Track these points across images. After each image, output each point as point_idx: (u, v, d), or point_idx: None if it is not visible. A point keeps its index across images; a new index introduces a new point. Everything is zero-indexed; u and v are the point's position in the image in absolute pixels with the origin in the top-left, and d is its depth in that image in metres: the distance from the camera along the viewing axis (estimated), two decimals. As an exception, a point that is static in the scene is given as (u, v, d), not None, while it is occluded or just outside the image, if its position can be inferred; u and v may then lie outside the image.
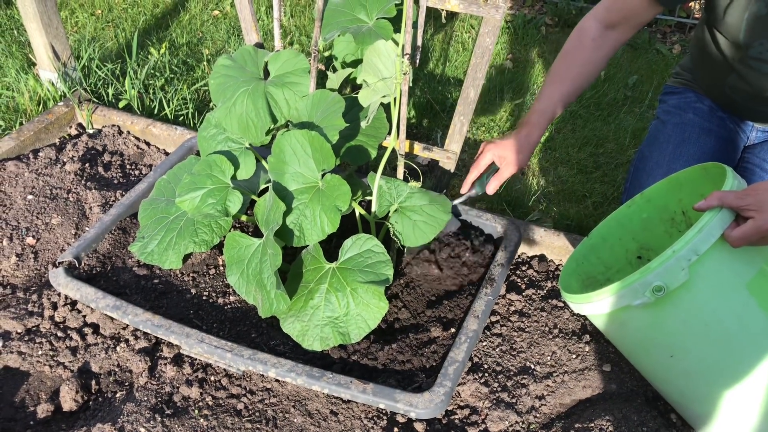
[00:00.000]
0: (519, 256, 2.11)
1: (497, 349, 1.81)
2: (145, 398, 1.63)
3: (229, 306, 1.81)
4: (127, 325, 1.80)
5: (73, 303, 1.86)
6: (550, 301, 1.94)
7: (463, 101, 1.91)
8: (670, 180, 1.61)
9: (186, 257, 1.87)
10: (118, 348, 1.76)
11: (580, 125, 2.80)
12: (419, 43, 1.73)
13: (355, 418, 1.61)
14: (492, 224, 1.96)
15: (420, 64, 3.07)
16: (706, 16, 1.73)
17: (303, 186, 1.64)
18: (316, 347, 1.59)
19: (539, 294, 1.96)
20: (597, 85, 3.02)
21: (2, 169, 2.33)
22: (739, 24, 1.59)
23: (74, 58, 2.78)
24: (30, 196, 2.23)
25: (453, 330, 1.72)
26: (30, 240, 2.09)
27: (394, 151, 1.80)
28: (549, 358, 1.80)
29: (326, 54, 1.95)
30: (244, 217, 1.91)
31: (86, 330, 1.80)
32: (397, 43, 1.64)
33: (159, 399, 1.64)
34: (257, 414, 1.62)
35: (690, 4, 3.61)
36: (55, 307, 1.85)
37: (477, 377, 1.73)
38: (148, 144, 2.55)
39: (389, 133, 1.80)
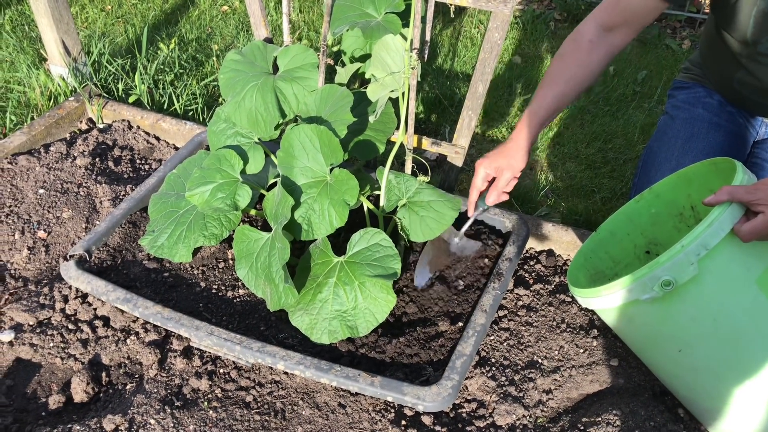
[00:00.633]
0: (527, 251, 2.11)
1: (505, 344, 1.82)
2: (155, 390, 1.65)
3: (238, 299, 1.82)
4: (138, 318, 1.82)
5: (84, 296, 1.88)
6: (557, 296, 1.94)
7: (472, 96, 1.91)
8: (678, 175, 1.61)
9: (196, 251, 1.89)
10: (128, 340, 1.77)
11: (588, 120, 2.80)
12: (428, 37, 1.73)
13: (363, 410, 1.62)
14: (500, 219, 1.97)
15: (428, 59, 3.07)
16: (713, 13, 1.72)
17: (311, 180, 1.65)
18: (324, 340, 1.60)
19: (547, 289, 1.96)
20: (606, 81, 3.01)
21: (14, 164, 2.35)
22: (747, 20, 1.58)
23: (85, 53, 2.80)
24: (41, 190, 2.25)
25: (461, 324, 1.72)
26: (41, 233, 2.11)
27: (402, 145, 1.80)
28: (556, 352, 1.80)
29: (335, 49, 1.96)
30: (253, 211, 1.92)
31: (97, 322, 1.81)
32: (405, 38, 1.64)
33: (169, 391, 1.65)
34: (266, 406, 1.63)
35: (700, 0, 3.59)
36: (66, 299, 1.87)
37: (484, 371, 1.74)
38: (157, 139, 2.57)
39: (397, 128, 1.80)
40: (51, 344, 1.77)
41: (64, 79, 2.73)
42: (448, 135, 2.69)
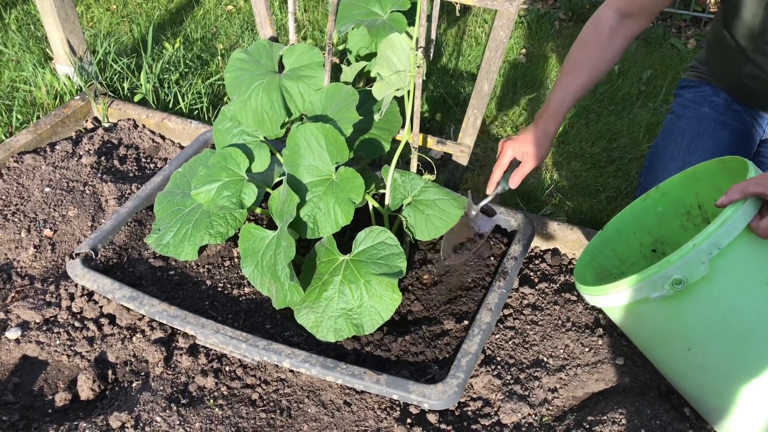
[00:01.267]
0: (532, 249, 2.11)
1: (510, 342, 1.82)
2: (161, 388, 1.65)
3: (243, 297, 1.83)
4: (143, 316, 1.82)
5: (90, 294, 1.88)
6: (563, 294, 1.94)
7: (477, 95, 1.91)
8: (686, 174, 1.60)
9: (201, 249, 1.89)
10: (134, 338, 1.78)
11: (593, 120, 2.79)
12: (433, 36, 1.74)
13: (369, 408, 1.62)
14: (506, 218, 1.97)
15: (433, 58, 3.07)
16: (722, 5, 1.72)
17: (317, 178, 1.65)
18: (329, 338, 1.60)
19: (552, 288, 1.96)
20: (611, 80, 3.01)
21: (20, 162, 2.36)
22: (756, 11, 1.59)
23: (90, 52, 2.81)
24: (47, 189, 2.26)
25: (466, 322, 1.72)
26: (47, 232, 2.11)
27: (407, 144, 1.80)
28: (562, 351, 1.80)
29: (340, 47, 1.96)
30: (258, 210, 1.92)
31: (103, 320, 1.82)
32: (411, 37, 1.64)
33: (175, 389, 1.66)
34: (272, 404, 1.64)
35: (705, -2, 3.58)
36: (72, 297, 1.88)
37: (490, 370, 1.74)
38: (163, 137, 2.58)
39: (403, 127, 1.81)
40: (57, 342, 1.77)
41: (69, 78, 2.74)
42: (453, 134, 2.69)
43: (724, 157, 1.49)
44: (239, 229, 1.75)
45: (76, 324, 1.81)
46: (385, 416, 1.61)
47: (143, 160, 2.47)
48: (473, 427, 1.62)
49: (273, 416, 1.61)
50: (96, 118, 2.67)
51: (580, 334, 1.83)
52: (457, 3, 1.77)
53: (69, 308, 1.85)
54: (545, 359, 1.78)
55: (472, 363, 1.57)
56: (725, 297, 1.33)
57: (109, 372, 1.73)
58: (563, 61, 1.76)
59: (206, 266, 1.91)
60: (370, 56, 1.89)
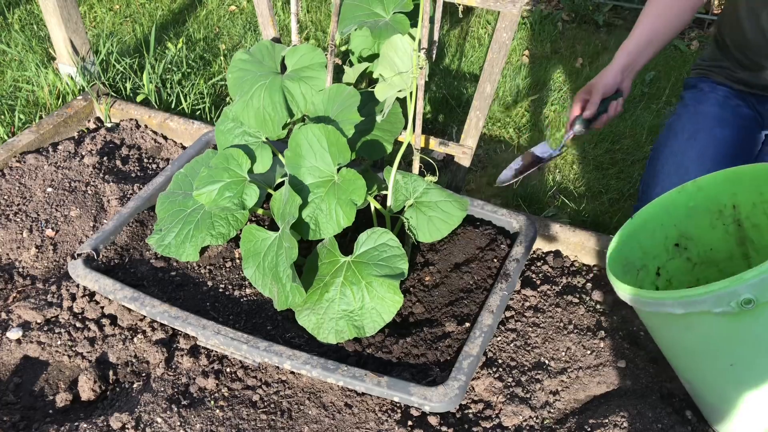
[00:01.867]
0: (534, 251, 2.10)
1: (512, 345, 1.81)
2: (162, 389, 1.65)
3: (245, 298, 1.82)
4: (145, 317, 1.82)
5: (92, 294, 1.88)
6: (565, 297, 1.93)
7: (480, 96, 1.91)
8: (728, 172, 1.57)
9: (203, 250, 1.89)
10: (135, 339, 1.78)
11: (596, 121, 2.79)
12: (436, 37, 1.73)
13: (369, 410, 1.62)
14: (507, 219, 1.96)
15: (436, 59, 3.07)
16: None
17: (319, 180, 1.65)
18: (331, 340, 1.60)
19: (554, 290, 1.96)
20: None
21: (22, 162, 2.36)
22: None
23: (93, 52, 2.81)
24: (49, 189, 2.26)
25: (467, 325, 1.72)
26: (49, 232, 2.11)
27: (409, 145, 1.80)
28: (563, 353, 1.79)
29: (343, 48, 1.96)
30: (260, 211, 1.92)
31: (104, 321, 1.82)
32: (413, 38, 1.64)
33: (175, 389, 1.66)
34: (272, 405, 1.64)
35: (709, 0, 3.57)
36: (73, 298, 1.88)
37: (491, 372, 1.74)
38: (165, 138, 2.58)
39: (405, 128, 1.80)
40: (58, 342, 1.77)
41: (72, 78, 2.74)
42: (456, 135, 2.69)
43: None
44: (241, 230, 1.75)
45: (78, 324, 1.81)
46: (386, 418, 1.60)
47: (145, 160, 2.47)
48: (474, 429, 1.62)
49: (274, 418, 1.61)
50: (98, 118, 2.67)
51: (582, 336, 1.83)
52: (460, 4, 1.77)
53: (70, 308, 1.85)
54: (547, 362, 1.78)
55: (473, 365, 1.57)
56: None
57: (110, 373, 1.73)
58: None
59: (208, 267, 1.90)
60: (372, 57, 1.88)
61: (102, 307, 1.85)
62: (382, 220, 1.85)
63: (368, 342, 1.69)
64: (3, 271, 1.99)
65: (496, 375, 1.73)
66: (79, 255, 1.86)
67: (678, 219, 1.65)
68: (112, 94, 2.72)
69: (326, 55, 1.77)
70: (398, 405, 1.64)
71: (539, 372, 1.75)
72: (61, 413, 1.65)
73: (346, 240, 1.86)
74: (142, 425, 1.57)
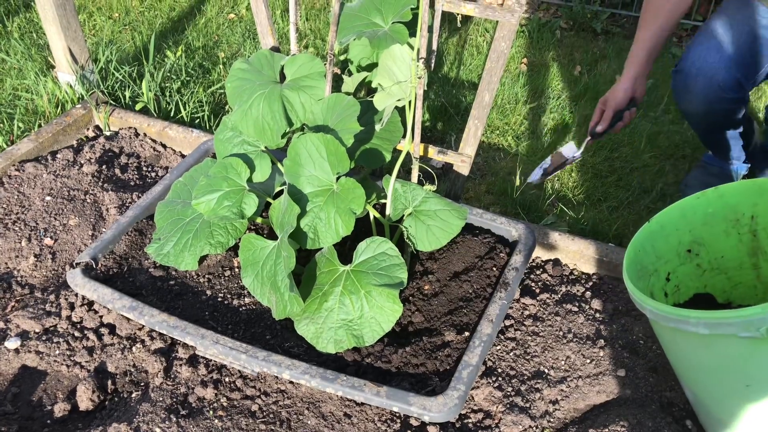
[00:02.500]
0: (533, 260, 2.10)
1: (511, 354, 1.81)
2: (161, 399, 1.65)
3: (244, 308, 1.82)
4: (143, 326, 1.82)
5: (90, 303, 1.88)
6: (564, 305, 1.93)
7: (478, 105, 1.91)
8: (751, 182, 1.59)
9: (202, 259, 1.89)
10: (134, 348, 1.77)
11: (594, 129, 2.79)
12: (434, 47, 1.74)
13: (369, 420, 1.62)
14: (506, 228, 1.96)
15: (434, 67, 3.08)
16: None
17: (318, 189, 1.65)
18: (330, 350, 1.59)
19: (553, 298, 1.96)
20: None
21: (21, 171, 2.36)
22: None
23: (92, 60, 2.81)
24: (48, 198, 2.26)
25: (467, 334, 1.72)
26: (48, 241, 2.11)
27: (408, 154, 1.80)
28: (563, 362, 1.79)
29: (342, 58, 1.96)
30: (259, 219, 1.92)
31: (103, 330, 1.82)
32: (412, 47, 1.64)
33: (174, 399, 1.65)
34: (271, 415, 1.63)
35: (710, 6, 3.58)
36: (72, 307, 1.88)
37: (491, 381, 1.73)
38: (164, 146, 2.58)
39: (404, 137, 1.80)
40: (57, 352, 1.77)
41: (71, 86, 2.74)
42: (454, 143, 2.69)
43: None
44: (240, 239, 1.75)
45: (76, 334, 1.81)
46: (386, 428, 1.60)
47: (144, 168, 2.47)
48: (474, 439, 1.61)
49: (273, 428, 1.60)
50: (97, 127, 2.67)
51: (582, 345, 1.83)
52: (458, 14, 1.78)
53: (69, 318, 1.85)
54: (546, 371, 1.77)
55: (473, 375, 1.56)
56: None
57: (109, 382, 1.72)
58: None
59: (206, 276, 1.90)
60: (371, 66, 1.89)
61: (101, 317, 1.85)
62: (381, 228, 1.85)
63: (367, 351, 1.69)
64: (1, 280, 1.99)
65: (496, 384, 1.73)
66: (77, 264, 1.85)
67: (694, 224, 1.67)
68: (111, 102, 2.73)
69: (325, 64, 1.77)
70: (397, 415, 1.63)
71: (539, 381, 1.75)
72: (59, 423, 1.64)
73: (345, 249, 1.86)
74: (140, 435, 1.56)
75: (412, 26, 1.73)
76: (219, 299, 1.84)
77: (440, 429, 1.62)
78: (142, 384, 1.72)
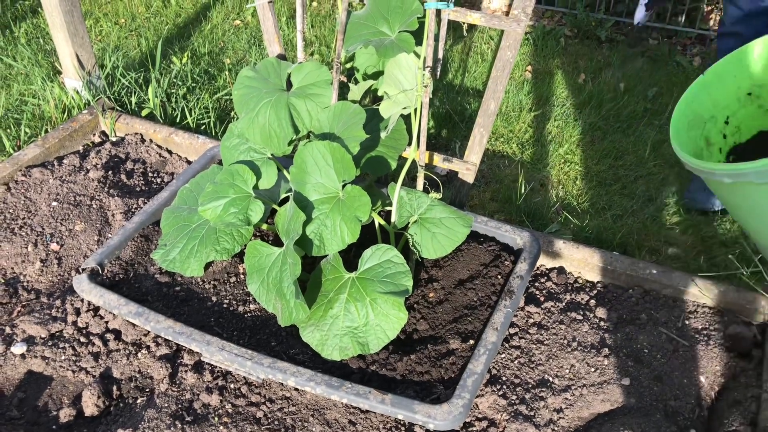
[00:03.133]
0: (538, 268, 2.10)
1: (516, 362, 1.81)
2: (166, 405, 1.65)
3: (249, 314, 1.83)
4: (149, 332, 1.82)
5: (96, 309, 1.89)
6: (568, 313, 1.93)
7: (484, 113, 1.92)
8: None
9: (207, 265, 1.89)
10: (139, 354, 1.78)
11: (599, 137, 2.80)
12: (440, 55, 1.74)
13: (374, 428, 1.62)
14: (511, 236, 1.97)
15: (439, 75, 3.09)
16: None
17: (324, 196, 1.66)
18: (335, 357, 1.60)
19: (558, 306, 1.96)
20: (616, 98, 3.02)
21: (28, 176, 2.37)
22: None
23: (98, 66, 2.83)
24: (54, 203, 2.27)
25: (472, 342, 1.72)
26: (54, 246, 2.12)
27: (413, 161, 1.81)
28: (567, 371, 1.79)
29: (348, 65, 1.97)
30: (264, 226, 1.92)
31: (108, 336, 1.82)
32: (418, 56, 1.65)
33: (179, 406, 1.66)
34: (276, 422, 1.63)
35: (711, 16, 3.59)
36: (78, 312, 1.88)
37: (495, 389, 1.73)
38: (170, 152, 2.59)
39: (409, 144, 1.81)
40: (63, 357, 1.77)
41: (78, 92, 2.76)
42: (459, 150, 2.70)
43: None
44: (245, 246, 1.75)
45: (82, 339, 1.81)
46: (390, 436, 1.60)
47: (150, 174, 2.48)
48: (478, 447, 1.61)
49: (277, 434, 1.61)
50: (103, 132, 2.69)
51: (586, 353, 1.83)
52: (464, 23, 1.78)
53: (75, 323, 1.86)
54: (551, 379, 1.78)
55: (477, 383, 1.57)
56: None
57: (114, 388, 1.73)
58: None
59: (212, 282, 1.91)
60: (377, 74, 1.90)
61: (106, 322, 1.85)
62: (386, 236, 1.85)
63: (372, 359, 1.69)
64: (8, 285, 2.00)
65: (500, 392, 1.73)
66: (83, 269, 1.86)
67: (753, 70, 1.69)
68: (118, 108, 2.74)
69: (331, 72, 1.78)
70: (402, 423, 1.64)
71: (543, 389, 1.75)
72: (64, 429, 1.65)
73: (350, 256, 1.86)
74: (145, 441, 1.56)
75: (418, 35, 1.74)
76: (224, 305, 1.85)
77: (445, 437, 1.62)
78: (147, 390, 1.72)
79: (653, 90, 3.09)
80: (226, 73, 3.10)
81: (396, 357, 1.69)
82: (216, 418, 1.63)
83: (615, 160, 2.67)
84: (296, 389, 1.69)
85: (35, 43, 3.28)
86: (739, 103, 1.72)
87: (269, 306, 1.69)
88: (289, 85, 1.83)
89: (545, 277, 2.07)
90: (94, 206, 2.27)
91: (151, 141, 2.62)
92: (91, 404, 1.68)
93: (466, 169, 2.03)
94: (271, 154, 1.84)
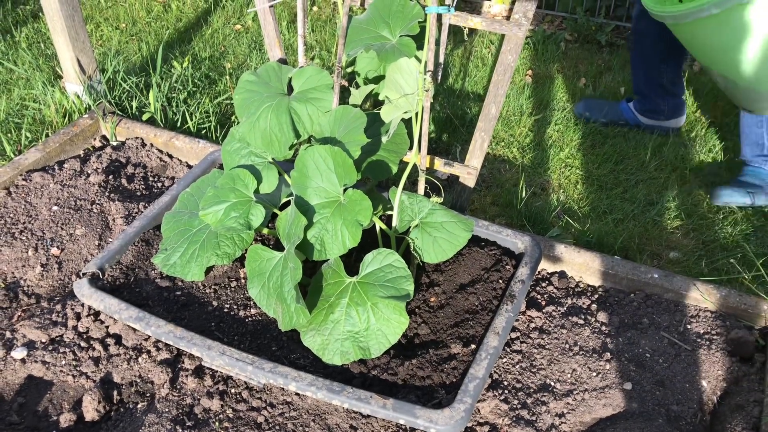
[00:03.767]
0: (539, 272, 2.10)
1: (517, 366, 1.81)
2: (167, 410, 1.65)
3: (250, 319, 1.82)
4: (149, 337, 1.82)
5: (97, 313, 1.88)
6: (570, 318, 1.93)
7: (484, 117, 1.92)
8: None
9: (208, 270, 1.89)
10: (140, 359, 1.78)
11: (600, 141, 2.80)
12: (441, 60, 1.75)
13: (375, 433, 1.61)
14: (512, 240, 1.96)
15: (440, 79, 3.09)
16: None
17: (325, 200, 1.66)
18: (336, 361, 1.59)
19: (560, 311, 1.95)
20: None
21: (28, 180, 2.37)
22: None
23: (99, 71, 2.83)
24: (55, 207, 2.27)
25: (473, 346, 1.71)
26: (54, 250, 2.12)
27: (414, 165, 1.81)
28: (569, 375, 1.79)
29: (349, 70, 1.97)
30: (265, 230, 1.92)
31: (109, 340, 1.82)
32: (419, 60, 1.65)
33: (180, 411, 1.65)
34: (277, 427, 1.63)
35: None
36: (78, 317, 1.88)
37: (497, 394, 1.73)
38: (171, 156, 2.59)
39: (410, 149, 1.81)
40: (63, 362, 1.77)
41: (78, 96, 2.76)
42: (459, 154, 2.70)
43: None
44: (246, 250, 1.75)
45: (82, 344, 1.81)
46: (392, 441, 1.60)
47: (151, 179, 2.48)
48: (480, 452, 1.61)
49: (278, 440, 1.60)
50: (104, 137, 2.69)
51: (588, 358, 1.82)
52: (465, 27, 1.79)
53: (75, 328, 1.85)
54: (552, 384, 1.77)
55: (479, 388, 1.56)
56: None
57: (115, 393, 1.72)
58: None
59: (213, 287, 1.90)
60: (378, 79, 1.90)
61: (107, 327, 1.85)
62: (387, 240, 1.85)
63: (374, 363, 1.69)
64: (8, 290, 1.99)
65: (502, 397, 1.72)
66: (84, 274, 1.86)
67: None
68: (118, 112, 2.74)
69: (333, 76, 1.78)
70: (404, 428, 1.63)
71: (545, 394, 1.74)
72: (64, 434, 1.64)
73: (351, 260, 1.86)
74: (146, 447, 1.56)
75: (419, 39, 1.74)
76: (225, 310, 1.84)
77: (446, 442, 1.61)
78: (148, 395, 1.72)
79: (654, 94, 3.08)
80: (227, 77, 3.10)
81: (397, 361, 1.69)
82: (217, 423, 1.63)
83: (616, 164, 2.67)
84: (297, 394, 1.69)
85: (36, 48, 3.28)
86: None
87: (270, 310, 1.68)
88: (290, 89, 1.83)
89: (546, 282, 2.06)
90: (95, 210, 2.27)
91: (151, 145, 2.62)
92: (91, 409, 1.67)
93: (467, 173, 2.03)
94: (272, 159, 1.84)
